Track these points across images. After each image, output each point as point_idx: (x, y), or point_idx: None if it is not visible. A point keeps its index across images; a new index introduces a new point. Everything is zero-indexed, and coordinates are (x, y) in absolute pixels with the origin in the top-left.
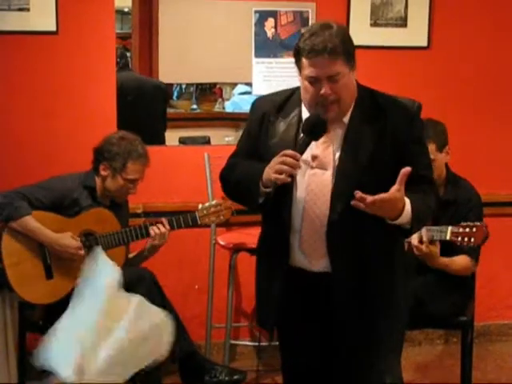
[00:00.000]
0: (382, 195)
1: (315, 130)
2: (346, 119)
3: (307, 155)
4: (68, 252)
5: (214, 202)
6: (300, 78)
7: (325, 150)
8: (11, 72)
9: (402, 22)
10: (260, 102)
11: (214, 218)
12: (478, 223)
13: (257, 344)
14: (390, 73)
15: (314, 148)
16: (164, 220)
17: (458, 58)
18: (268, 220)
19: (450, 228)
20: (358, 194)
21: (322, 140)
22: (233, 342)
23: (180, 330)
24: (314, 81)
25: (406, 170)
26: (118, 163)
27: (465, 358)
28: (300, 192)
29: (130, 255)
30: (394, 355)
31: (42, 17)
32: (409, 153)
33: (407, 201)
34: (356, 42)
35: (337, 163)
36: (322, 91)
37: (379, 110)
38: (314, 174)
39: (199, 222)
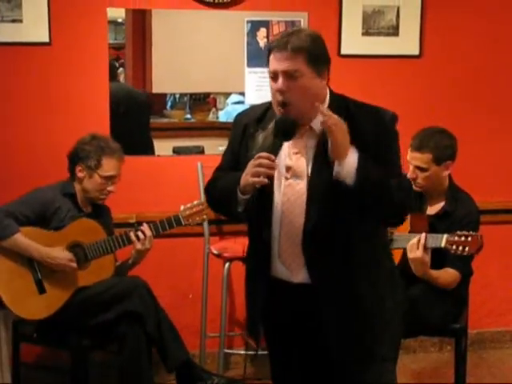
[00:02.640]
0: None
1: (285, 131)
2: (317, 127)
3: (282, 166)
4: (61, 264)
5: (195, 202)
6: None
7: (298, 160)
8: (4, 83)
9: (394, 31)
10: (241, 115)
11: (197, 218)
12: (473, 233)
13: (251, 353)
14: (381, 82)
15: (288, 159)
16: (146, 225)
17: (449, 66)
18: (251, 232)
19: (445, 236)
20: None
21: (295, 150)
22: (227, 351)
23: (175, 340)
24: (273, 76)
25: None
26: (92, 161)
27: (459, 365)
28: (277, 204)
29: (116, 264)
30: (389, 363)
31: (35, 28)
32: (376, 155)
33: (353, 148)
34: (348, 51)
35: (310, 173)
36: (277, 86)
37: (349, 117)
38: (289, 185)
39: (183, 223)
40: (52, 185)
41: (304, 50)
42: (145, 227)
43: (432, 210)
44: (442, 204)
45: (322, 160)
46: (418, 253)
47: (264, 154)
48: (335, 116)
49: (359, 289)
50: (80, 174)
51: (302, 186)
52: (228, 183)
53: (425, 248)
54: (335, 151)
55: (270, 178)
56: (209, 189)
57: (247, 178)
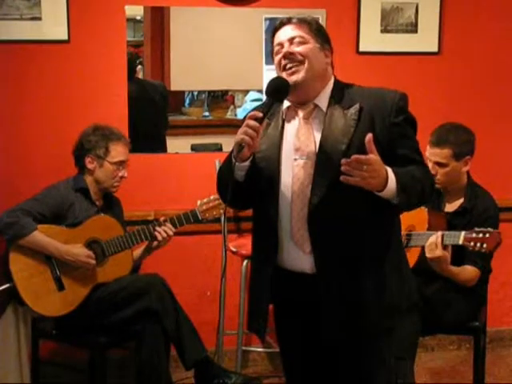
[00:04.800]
0: (359, 156)
1: (277, 91)
2: (324, 107)
3: (291, 148)
4: (80, 261)
5: (212, 197)
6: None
7: (307, 140)
8: (23, 80)
9: (413, 28)
10: (248, 112)
11: (214, 212)
12: (492, 229)
13: (269, 350)
14: (400, 79)
15: (296, 139)
16: (163, 220)
17: (468, 63)
18: (257, 222)
19: (463, 233)
20: (343, 161)
21: (303, 131)
22: (245, 348)
23: (193, 337)
24: (279, 48)
25: (369, 135)
26: (100, 150)
27: (477, 363)
28: (287, 184)
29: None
30: (407, 360)
31: (53, 26)
32: (389, 136)
33: (389, 169)
34: (366, 48)
35: (317, 150)
36: (285, 49)
37: (355, 98)
38: (298, 165)
39: (200, 218)
40: (63, 181)
41: (307, 22)
42: (168, 227)
43: (451, 207)
44: (461, 201)
45: (329, 137)
46: (438, 252)
47: (252, 113)
48: (354, 157)
49: (362, 281)
50: (90, 166)
51: (311, 164)
52: (227, 158)
53: (444, 247)
54: (373, 190)
55: (273, 158)
56: (217, 180)
57: (236, 137)
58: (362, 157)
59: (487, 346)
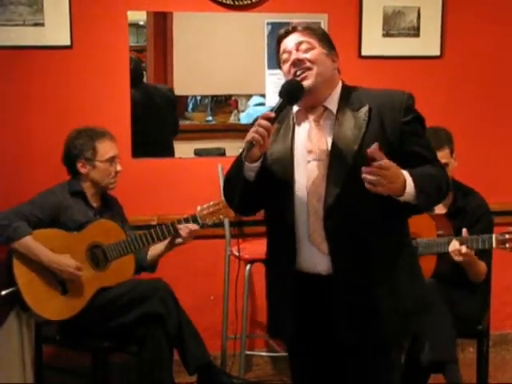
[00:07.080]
0: (380, 162)
1: (291, 93)
2: (334, 109)
3: (303, 150)
4: (67, 271)
5: (212, 202)
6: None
7: (319, 141)
8: (26, 86)
9: (415, 32)
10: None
11: (214, 218)
12: None
13: (272, 354)
14: (402, 82)
15: (308, 142)
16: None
17: (470, 66)
18: (272, 225)
19: (494, 236)
20: (364, 169)
21: (315, 133)
22: (248, 352)
23: (196, 342)
24: (287, 56)
25: (374, 146)
26: (88, 152)
27: (481, 366)
28: (302, 185)
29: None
30: (454, 362)
31: (56, 32)
32: (400, 135)
33: (405, 172)
34: (368, 52)
35: (330, 152)
36: (293, 57)
37: (364, 100)
38: (312, 167)
39: (201, 223)
40: (58, 185)
41: (312, 29)
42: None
43: (440, 209)
44: (449, 201)
45: (341, 137)
46: (464, 254)
47: (264, 113)
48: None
49: (376, 281)
50: (83, 170)
51: (325, 164)
52: (236, 161)
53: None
54: (392, 194)
55: (286, 160)
56: (223, 184)
57: (246, 136)
58: (382, 162)
59: (490, 349)
